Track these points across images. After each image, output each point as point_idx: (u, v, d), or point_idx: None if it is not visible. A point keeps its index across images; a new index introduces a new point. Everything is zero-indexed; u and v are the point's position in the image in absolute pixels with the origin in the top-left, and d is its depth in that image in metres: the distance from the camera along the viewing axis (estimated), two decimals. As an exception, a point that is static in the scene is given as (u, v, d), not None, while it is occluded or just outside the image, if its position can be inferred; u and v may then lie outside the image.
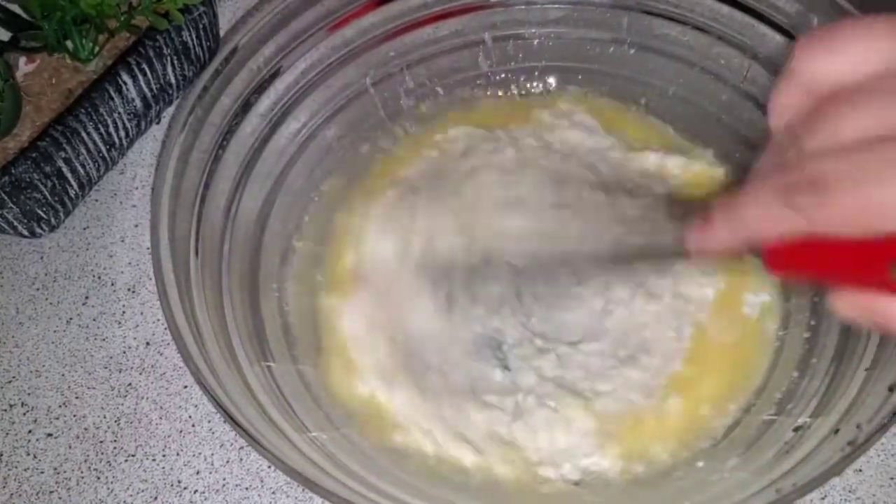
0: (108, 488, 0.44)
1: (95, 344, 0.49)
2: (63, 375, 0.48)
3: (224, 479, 0.44)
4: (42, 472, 0.45)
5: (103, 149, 0.50)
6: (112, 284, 0.51)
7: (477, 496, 0.40)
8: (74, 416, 0.46)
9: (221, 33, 0.56)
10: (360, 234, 0.48)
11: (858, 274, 0.26)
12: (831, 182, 0.23)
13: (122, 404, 0.47)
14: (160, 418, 0.46)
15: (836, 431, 0.35)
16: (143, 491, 0.44)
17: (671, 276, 0.45)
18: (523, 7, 0.51)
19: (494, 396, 0.43)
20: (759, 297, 0.45)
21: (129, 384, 0.47)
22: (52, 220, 0.50)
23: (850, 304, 0.26)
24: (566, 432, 0.41)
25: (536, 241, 0.47)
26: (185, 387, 0.47)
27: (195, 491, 0.44)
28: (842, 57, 0.25)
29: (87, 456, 0.45)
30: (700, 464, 0.40)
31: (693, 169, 0.49)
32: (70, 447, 0.46)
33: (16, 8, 0.50)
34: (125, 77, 0.49)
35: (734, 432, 0.41)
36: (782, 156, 0.26)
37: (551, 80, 0.53)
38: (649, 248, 0.45)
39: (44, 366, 0.48)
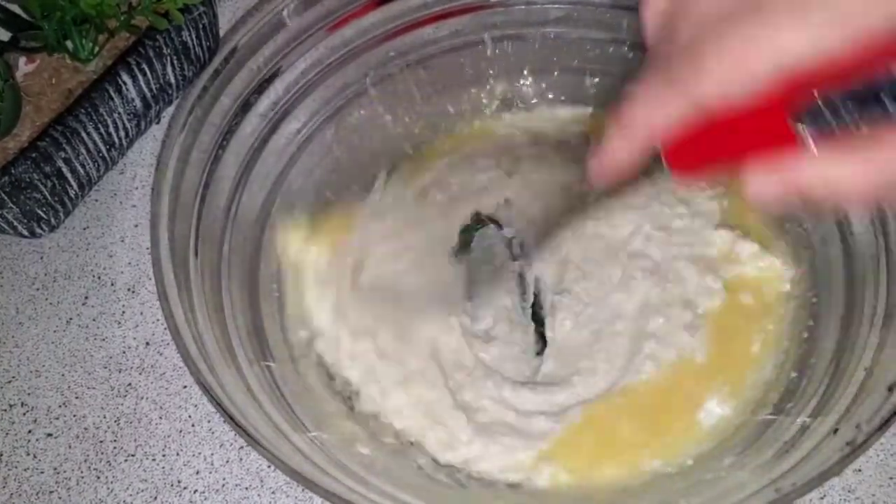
0: (108, 488, 0.44)
1: (95, 344, 0.49)
2: (63, 375, 0.48)
3: (224, 479, 0.44)
4: (42, 472, 0.45)
5: (103, 149, 0.50)
6: (112, 284, 0.51)
7: (477, 498, 0.40)
8: (74, 416, 0.46)
9: (221, 33, 0.56)
10: (361, 235, 0.49)
11: (760, 140, 0.25)
12: (701, 43, 0.24)
13: (122, 404, 0.47)
14: (160, 418, 0.46)
15: (836, 431, 0.35)
16: (142, 491, 0.44)
17: (679, 284, 0.45)
18: (523, 7, 0.51)
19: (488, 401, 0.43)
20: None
21: (129, 384, 0.47)
22: (52, 220, 0.50)
23: (764, 182, 0.25)
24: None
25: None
26: (185, 387, 0.47)
27: (195, 491, 0.44)
28: None
29: (87, 456, 0.45)
30: (699, 464, 0.40)
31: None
32: (70, 447, 0.46)
33: (16, 8, 0.50)
34: (125, 77, 0.49)
35: (733, 432, 0.41)
36: (656, 52, 0.27)
37: (550, 80, 0.53)
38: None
39: (44, 366, 0.48)
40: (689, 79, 0.24)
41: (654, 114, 0.26)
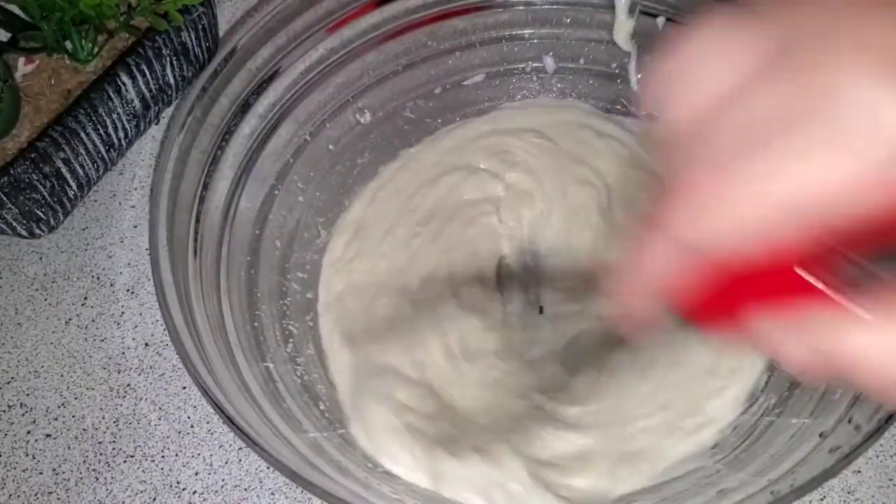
0: (107, 489, 0.44)
1: (94, 345, 0.49)
2: (62, 376, 0.48)
3: (223, 480, 0.44)
4: (41, 473, 0.45)
5: (102, 149, 0.50)
6: (111, 285, 0.51)
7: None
8: (73, 416, 0.46)
9: (221, 34, 0.56)
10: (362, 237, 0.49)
11: (774, 288, 0.22)
12: (693, 196, 0.22)
13: (121, 405, 0.47)
14: (159, 419, 0.46)
15: (834, 432, 0.35)
16: (141, 492, 0.44)
17: None
18: (523, 7, 0.51)
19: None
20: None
21: (128, 385, 0.47)
22: (51, 220, 0.50)
23: (781, 332, 0.22)
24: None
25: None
26: (184, 388, 0.47)
27: (194, 492, 0.44)
28: (705, 82, 0.23)
29: (86, 457, 0.45)
30: (697, 465, 0.40)
31: None
32: (69, 448, 0.46)
33: (15, 8, 0.50)
34: (124, 78, 0.49)
35: (731, 433, 0.41)
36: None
37: (550, 80, 0.53)
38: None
39: (42, 366, 0.48)
40: (686, 228, 0.22)
41: (663, 270, 0.24)
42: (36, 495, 0.44)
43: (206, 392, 0.34)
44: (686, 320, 0.26)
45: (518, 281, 0.48)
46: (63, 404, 0.47)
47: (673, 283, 0.24)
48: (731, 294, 0.23)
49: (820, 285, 0.21)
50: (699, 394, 0.42)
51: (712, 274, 0.23)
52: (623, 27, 0.50)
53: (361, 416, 0.42)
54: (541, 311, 0.47)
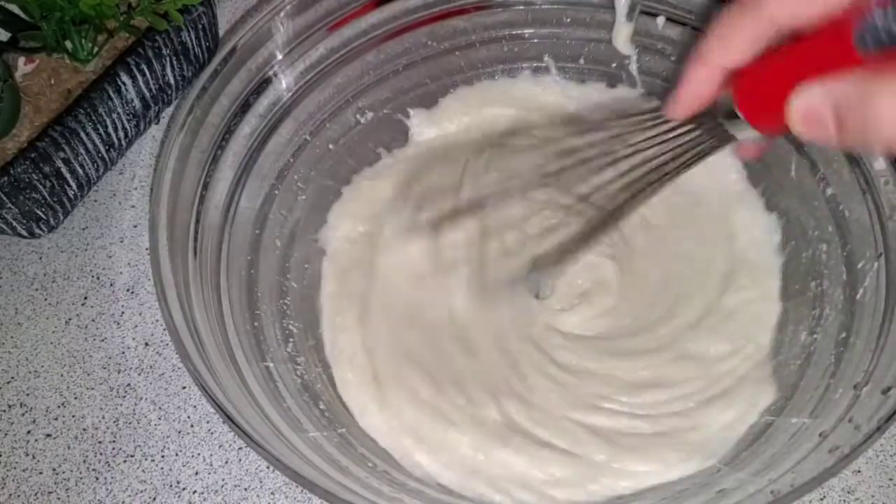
0: (107, 489, 0.44)
1: (94, 344, 0.49)
2: (62, 376, 0.48)
3: (223, 480, 0.44)
4: (41, 473, 0.45)
5: (102, 149, 0.50)
6: (111, 285, 0.51)
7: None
8: (73, 416, 0.46)
9: (221, 34, 0.56)
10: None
11: (825, 64, 0.24)
12: None
13: (121, 405, 0.47)
14: (159, 419, 0.46)
15: (834, 432, 0.35)
16: (141, 492, 0.44)
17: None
18: (523, 7, 0.51)
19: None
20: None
21: (128, 385, 0.47)
22: (51, 220, 0.50)
23: (809, 96, 0.24)
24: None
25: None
26: (184, 387, 0.47)
27: (194, 491, 0.44)
28: None
29: (86, 456, 0.45)
30: (697, 466, 0.40)
31: None
32: (69, 448, 0.46)
33: (15, 8, 0.50)
34: (124, 77, 0.49)
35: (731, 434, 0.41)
36: None
37: (550, 81, 0.53)
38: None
39: (42, 366, 0.48)
40: (759, 2, 0.25)
41: (729, 39, 0.27)
42: (36, 495, 0.44)
43: (206, 391, 0.34)
44: (738, 103, 0.28)
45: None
46: (63, 404, 0.47)
47: (741, 57, 0.27)
48: (785, 73, 0.26)
49: (865, 52, 0.23)
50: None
51: (774, 57, 0.25)
52: (622, 31, 0.50)
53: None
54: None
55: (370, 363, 0.44)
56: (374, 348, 0.45)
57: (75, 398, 0.47)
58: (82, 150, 0.49)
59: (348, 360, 0.45)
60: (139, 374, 0.48)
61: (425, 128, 0.53)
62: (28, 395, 0.47)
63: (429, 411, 0.42)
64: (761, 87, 0.27)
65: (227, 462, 0.44)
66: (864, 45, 0.23)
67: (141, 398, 0.47)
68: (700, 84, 0.29)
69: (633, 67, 0.51)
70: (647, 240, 0.48)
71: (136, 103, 0.51)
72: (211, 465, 0.44)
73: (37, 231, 0.50)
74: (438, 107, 0.53)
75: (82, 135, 0.48)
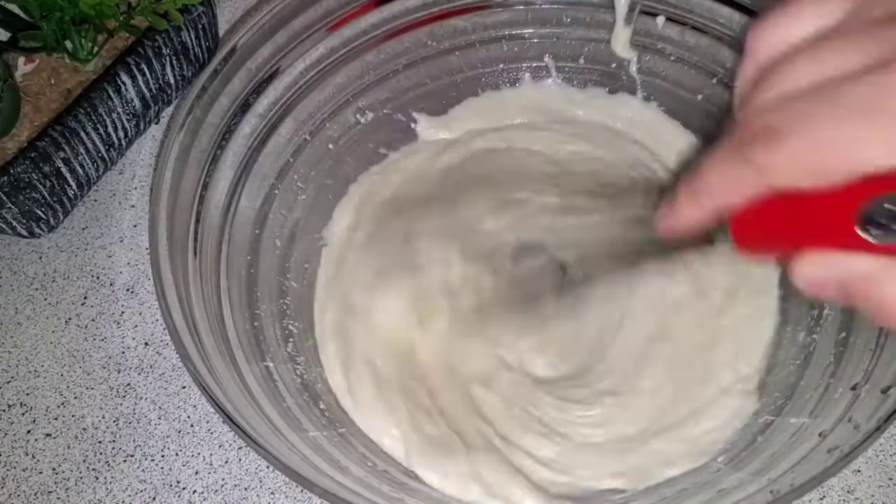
0: (107, 489, 0.44)
1: (94, 344, 0.49)
2: (62, 375, 0.48)
3: (223, 480, 0.44)
4: (41, 473, 0.45)
5: (102, 149, 0.50)
6: (111, 285, 0.51)
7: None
8: (73, 416, 0.46)
9: (220, 33, 0.56)
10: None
11: (823, 233, 0.25)
12: (779, 128, 0.24)
13: (121, 404, 0.47)
14: (159, 419, 0.46)
15: (833, 432, 0.35)
16: (141, 491, 0.44)
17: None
18: (522, 7, 0.51)
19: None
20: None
21: (128, 384, 0.47)
22: (51, 220, 0.50)
23: (814, 266, 0.25)
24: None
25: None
26: (184, 387, 0.47)
27: (194, 491, 0.44)
28: (794, 25, 0.26)
29: (86, 456, 0.45)
30: (697, 465, 0.40)
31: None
32: (69, 447, 0.46)
33: (15, 8, 0.50)
34: (124, 77, 0.49)
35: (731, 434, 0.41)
36: (738, 117, 0.26)
37: (550, 81, 0.53)
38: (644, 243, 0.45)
39: (42, 366, 0.48)
40: (761, 162, 0.24)
41: (727, 189, 0.26)
42: (36, 495, 0.44)
43: (205, 391, 0.34)
44: (733, 237, 0.28)
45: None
46: (63, 404, 0.47)
47: (737, 204, 0.26)
48: (784, 222, 0.26)
49: (870, 239, 0.23)
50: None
51: (773, 202, 0.25)
52: (621, 35, 0.50)
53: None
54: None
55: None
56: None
57: (75, 398, 0.47)
58: (82, 150, 0.49)
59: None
60: (139, 374, 0.48)
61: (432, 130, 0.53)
62: (28, 394, 0.47)
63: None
64: (760, 234, 0.27)
65: (227, 462, 0.44)
66: (869, 225, 0.23)
67: (141, 398, 0.47)
68: (690, 217, 0.29)
69: (633, 68, 0.51)
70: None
71: (136, 103, 0.51)
72: (211, 464, 0.44)
73: (37, 231, 0.50)
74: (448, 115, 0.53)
75: (82, 134, 0.48)
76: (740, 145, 0.25)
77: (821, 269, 0.25)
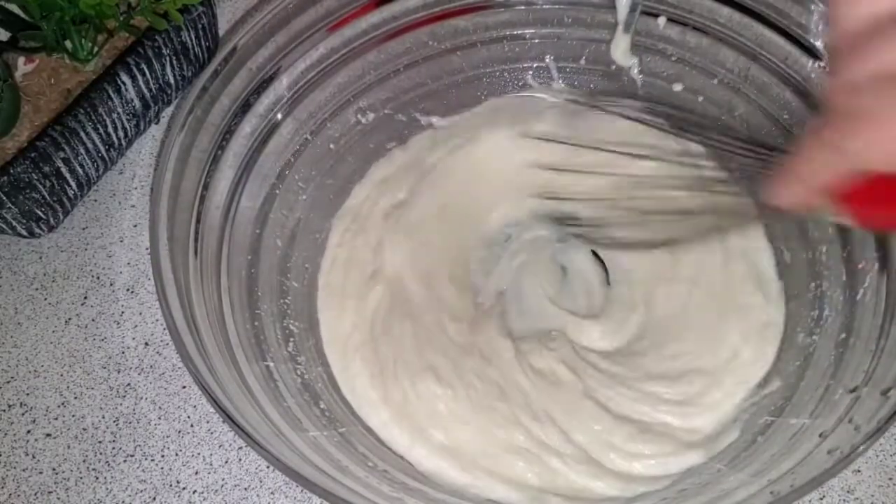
0: (107, 488, 0.44)
1: (94, 344, 0.49)
2: (62, 375, 0.48)
3: (223, 480, 0.44)
4: (41, 473, 0.45)
5: (102, 149, 0.50)
6: (111, 285, 0.51)
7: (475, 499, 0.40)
8: (73, 416, 0.46)
9: (221, 33, 0.56)
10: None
11: None
12: (875, 114, 0.24)
13: (121, 404, 0.47)
14: (159, 418, 0.46)
15: (834, 433, 0.35)
16: (141, 491, 0.44)
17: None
18: (523, 7, 0.51)
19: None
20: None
21: (128, 384, 0.47)
22: (51, 220, 0.50)
23: None
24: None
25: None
26: (184, 387, 0.47)
27: (194, 491, 0.44)
28: None
29: (86, 456, 0.45)
30: (697, 465, 0.40)
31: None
32: (69, 447, 0.45)
33: (15, 8, 0.50)
34: (124, 77, 0.49)
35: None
36: (834, 99, 0.27)
37: (550, 81, 0.53)
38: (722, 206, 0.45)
39: (42, 366, 0.48)
40: (857, 150, 0.25)
41: (820, 174, 0.27)
42: (36, 494, 0.44)
43: (206, 391, 0.34)
44: (846, 211, 0.29)
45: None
46: (63, 404, 0.47)
47: (830, 185, 0.27)
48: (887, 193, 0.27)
49: None
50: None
51: (882, 181, 0.26)
52: (621, 42, 0.50)
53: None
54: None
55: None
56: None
57: (75, 398, 0.47)
58: (82, 150, 0.49)
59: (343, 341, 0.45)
60: (139, 374, 0.48)
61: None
62: (28, 394, 0.47)
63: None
64: (874, 206, 0.28)
65: (227, 462, 0.44)
66: None
67: (141, 398, 0.47)
68: (795, 196, 0.30)
69: (634, 70, 0.51)
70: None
71: (136, 103, 0.51)
72: (211, 464, 0.44)
73: (37, 231, 0.50)
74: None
75: (82, 134, 0.48)
76: (836, 131, 0.26)
77: None
